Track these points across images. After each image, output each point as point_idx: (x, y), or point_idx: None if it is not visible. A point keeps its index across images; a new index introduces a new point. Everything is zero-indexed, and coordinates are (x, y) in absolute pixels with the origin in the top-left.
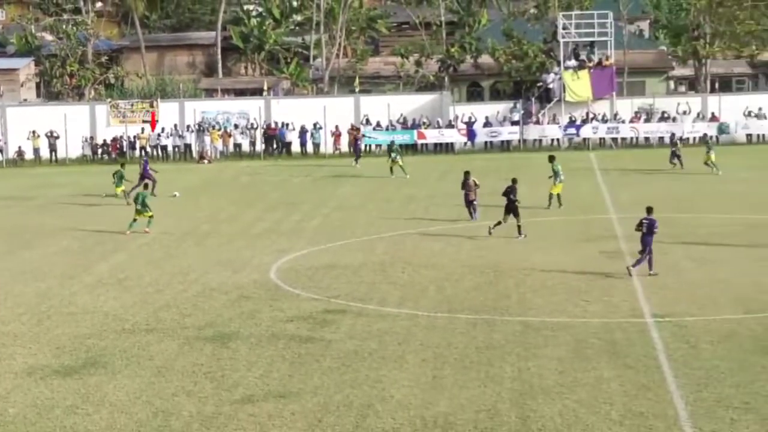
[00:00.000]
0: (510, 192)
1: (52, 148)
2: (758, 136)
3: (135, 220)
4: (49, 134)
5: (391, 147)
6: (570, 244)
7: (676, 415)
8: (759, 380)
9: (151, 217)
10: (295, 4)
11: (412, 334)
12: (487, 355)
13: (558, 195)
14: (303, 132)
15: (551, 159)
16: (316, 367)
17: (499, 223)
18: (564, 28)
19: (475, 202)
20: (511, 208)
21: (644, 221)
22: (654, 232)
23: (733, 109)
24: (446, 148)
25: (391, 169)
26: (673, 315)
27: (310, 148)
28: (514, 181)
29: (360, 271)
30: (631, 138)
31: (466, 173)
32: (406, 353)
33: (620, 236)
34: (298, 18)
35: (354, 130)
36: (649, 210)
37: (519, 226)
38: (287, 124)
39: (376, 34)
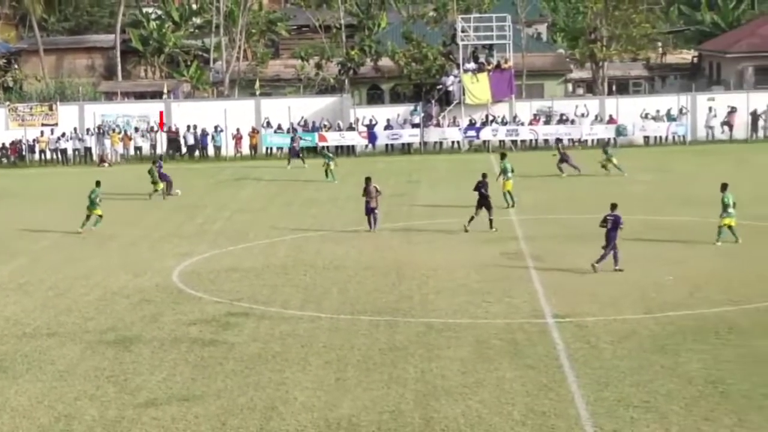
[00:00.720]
0: (481, 187)
1: None
2: (655, 138)
3: (88, 217)
4: None
5: (323, 151)
6: (471, 245)
7: (578, 414)
8: (658, 379)
9: (100, 216)
10: (194, 6)
11: (315, 336)
12: (390, 356)
13: (509, 192)
14: (204, 135)
15: (503, 156)
16: (219, 370)
17: (473, 218)
18: (463, 31)
19: (376, 211)
20: (483, 203)
21: (609, 217)
22: (620, 227)
23: (630, 111)
24: (347, 150)
25: (326, 172)
26: (573, 315)
27: (211, 151)
28: (484, 176)
29: (262, 274)
30: (531, 140)
31: (367, 179)
32: (309, 355)
33: (521, 237)
34: (198, 21)
35: (255, 133)
36: (614, 206)
37: (491, 220)
38: (189, 127)
39: (276, 37)
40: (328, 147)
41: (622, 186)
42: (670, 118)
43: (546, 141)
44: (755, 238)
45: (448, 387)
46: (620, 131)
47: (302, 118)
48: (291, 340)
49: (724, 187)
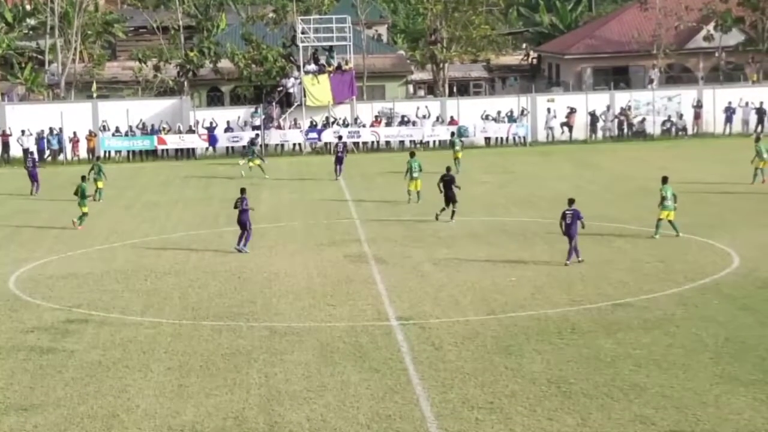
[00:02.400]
0: (450, 180)
1: None
2: (496, 138)
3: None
4: None
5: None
6: (314, 248)
7: (423, 416)
8: (502, 380)
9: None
10: (28, 7)
11: (156, 342)
12: (234, 361)
13: (417, 191)
14: (40, 138)
15: (412, 155)
16: (58, 379)
17: (444, 209)
18: (303, 33)
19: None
20: (449, 195)
21: (567, 213)
22: (580, 219)
23: (471, 112)
24: (187, 153)
25: (260, 167)
26: (417, 317)
27: (47, 154)
28: (448, 169)
29: (102, 280)
30: (372, 142)
31: (242, 190)
32: (151, 362)
33: (364, 240)
34: (32, 22)
35: (92, 136)
36: (571, 201)
37: (453, 212)
38: (23, 131)
39: (113, 39)
40: (253, 145)
41: (463, 188)
42: (511, 119)
43: (387, 143)
44: (596, 239)
45: (292, 391)
46: (461, 132)
47: (141, 120)
48: (132, 347)
49: (664, 180)
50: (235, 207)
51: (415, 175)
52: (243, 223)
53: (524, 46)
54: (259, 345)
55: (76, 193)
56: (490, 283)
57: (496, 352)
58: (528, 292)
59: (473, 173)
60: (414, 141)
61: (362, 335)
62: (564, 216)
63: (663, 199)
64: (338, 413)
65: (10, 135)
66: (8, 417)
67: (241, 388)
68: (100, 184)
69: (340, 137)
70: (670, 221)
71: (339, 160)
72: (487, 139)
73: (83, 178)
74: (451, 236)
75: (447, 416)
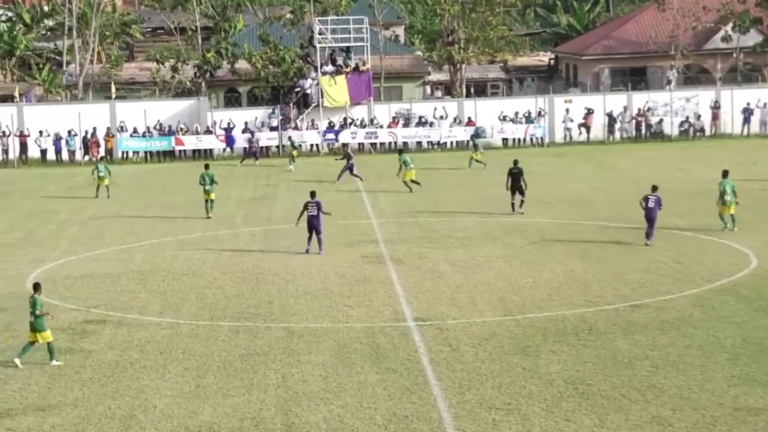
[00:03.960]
0: (518, 173)
1: None
2: (514, 139)
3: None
4: None
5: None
6: (331, 249)
7: (440, 417)
8: (519, 381)
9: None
10: (46, 8)
11: (174, 343)
12: (251, 362)
13: (412, 180)
14: (58, 139)
15: (400, 152)
16: (76, 379)
17: (513, 203)
18: (320, 34)
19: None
20: (517, 187)
21: (650, 197)
22: (660, 207)
23: (488, 113)
24: (205, 154)
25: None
26: (434, 318)
27: (65, 155)
28: (515, 162)
29: (119, 281)
30: (390, 143)
31: (312, 193)
32: (168, 362)
33: (381, 241)
34: (50, 23)
35: (110, 136)
36: (655, 188)
37: (522, 201)
38: (41, 132)
39: (130, 39)
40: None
41: (479, 189)
42: (529, 120)
43: (405, 144)
44: (613, 239)
45: (309, 392)
46: (479, 133)
47: (158, 121)
48: (149, 347)
49: (724, 174)
50: (305, 209)
51: (412, 166)
52: (315, 228)
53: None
54: (276, 346)
55: (202, 183)
56: (506, 284)
57: (514, 353)
58: (545, 293)
59: (490, 174)
60: (431, 142)
61: (379, 336)
62: (647, 200)
63: (722, 194)
64: (355, 414)
65: (28, 136)
66: (26, 417)
67: (258, 389)
68: (106, 182)
69: (344, 144)
70: (731, 215)
71: (351, 168)
72: (505, 140)
73: (206, 167)
74: (468, 237)
75: (464, 417)
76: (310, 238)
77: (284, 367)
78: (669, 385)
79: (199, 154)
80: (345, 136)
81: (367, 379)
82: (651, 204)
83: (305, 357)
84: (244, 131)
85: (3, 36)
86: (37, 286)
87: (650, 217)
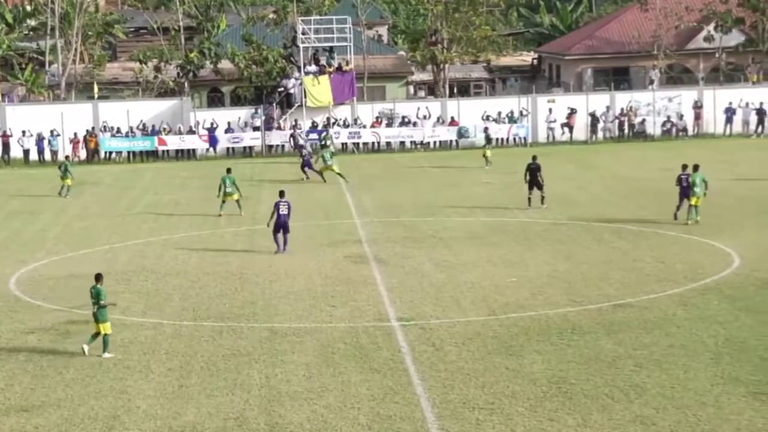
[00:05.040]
0: (536, 168)
1: None
2: (497, 139)
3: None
4: None
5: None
6: (315, 249)
7: (424, 417)
8: (502, 381)
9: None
10: (28, 8)
11: (157, 343)
12: (234, 362)
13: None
14: (40, 139)
15: (322, 146)
16: (59, 380)
17: (529, 198)
18: (303, 33)
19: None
20: (535, 183)
21: (683, 176)
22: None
23: (472, 113)
24: (188, 154)
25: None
26: (418, 318)
27: (48, 155)
28: (534, 158)
29: (104, 281)
30: (373, 143)
31: (281, 193)
32: (152, 362)
33: (364, 240)
34: (32, 23)
35: (92, 137)
36: (685, 167)
37: (543, 197)
38: (24, 132)
39: (113, 39)
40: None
41: (465, 188)
42: (512, 119)
43: (388, 143)
44: (596, 239)
45: (293, 392)
46: (462, 133)
47: (141, 121)
48: (133, 348)
49: (695, 168)
50: (276, 209)
51: (330, 163)
52: (284, 226)
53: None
54: (259, 346)
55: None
56: (490, 283)
57: (497, 353)
58: (529, 293)
59: (474, 174)
60: (414, 142)
61: (363, 336)
62: (680, 180)
63: (692, 185)
64: (339, 414)
65: (11, 136)
66: (9, 418)
67: (241, 389)
68: (68, 182)
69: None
70: (695, 207)
71: (307, 164)
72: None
73: (228, 170)
74: (452, 237)
75: (448, 417)
76: (277, 237)
77: (268, 368)
78: (652, 384)
79: (182, 154)
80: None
81: (351, 379)
82: (684, 184)
83: (289, 357)
84: (226, 131)
85: None
86: (99, 277)
87: (686, 195)
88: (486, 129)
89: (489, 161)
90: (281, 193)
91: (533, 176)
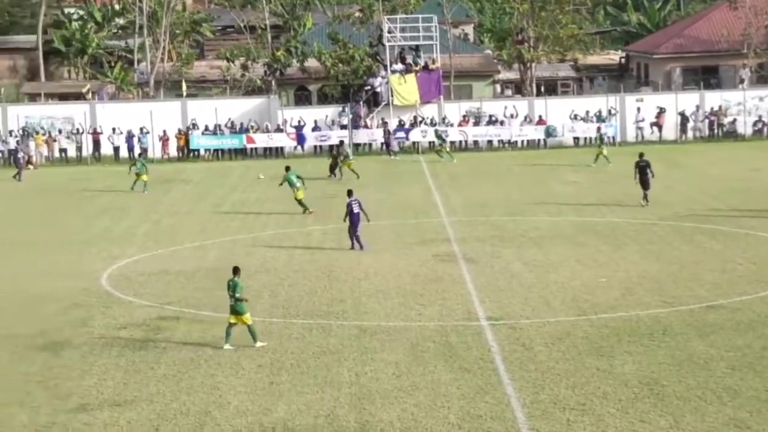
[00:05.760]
0: (645, 165)
1: None
2: (585, 138)
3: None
4: None
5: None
6: (403, 248)
7: (514, 417)
8: (593, 381)
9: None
10: (117, 7)
11: (247, 340)
12: (324, 359)
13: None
14: (130, 136)
15: (287, 168)
16: (151, 375)
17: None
18: (389, 32)
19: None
20: (644, 180)
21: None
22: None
23: (559, 112)
24: (276, 152)
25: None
26: (507, 317)
27: (137, 152)
28: (641, 155)
29: (193, 278)
30: (460, 141)
31: (349, 192)
32: (242, 359)
33: (453, 239)
34: (121, 21)
35: (181, 134)
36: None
37: (645, 195)
38: (114, 129)
39: (200, 38)
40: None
41: (551, 187)
42: (600, 119)
43: (475, 142)
44: (687, 240)
45: (382, 390)
46: (550, 132)
47: (229, 119)
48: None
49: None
50: (349, 208)
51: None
52: (356, 224)
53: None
54: (349, 344)
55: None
56: (580, 283)
57: (587, 353)
58: (619, 293)
59: (562, 173)
60: (502, 141)
61: (452, 335)
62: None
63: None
64: (429, 412)
65: (101, 133)
66: (102, 412)
67: (331, 387)
68: (144, 178)
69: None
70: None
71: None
72: (576, 138)
73: (287, 168)
74: (541, 236)
75: (538, 417)
76: (355, 235)
77: (357, 365)
78: (746, 387)
79: (270, 152)
80: (415, 135)
81: (441, 378)
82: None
83: (378, 355)
84: (313, 129)
85: (75, 34)
86: (236, 270)
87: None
88: (599, 128)
89: (608, 160)
90: (350, 193)
91: (643, 174)
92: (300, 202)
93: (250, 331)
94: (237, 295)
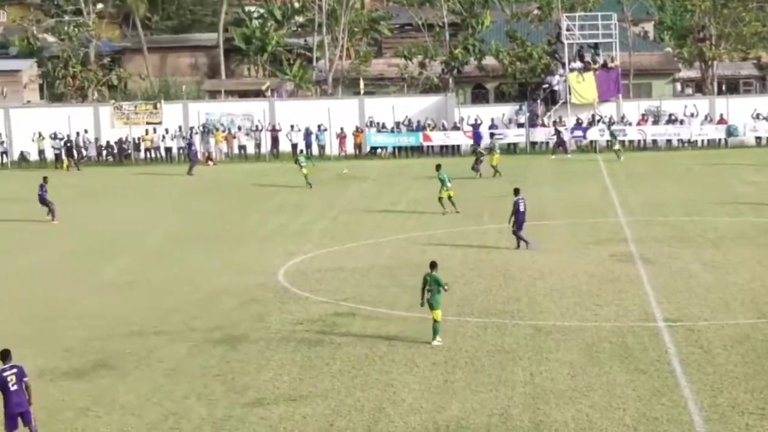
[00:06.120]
0: None
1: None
2: (767, 138)
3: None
4: (53, 136)
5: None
6: (579, 247)
7: (691, 420)
8: None
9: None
10: (296, 5)
11: (421, 337)
12: (499, 358)
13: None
14: (308, 134)
15: (437, 167)
16: (326, 371)
17: None
18: (568, 30)
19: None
20: None
21: None
22: None
23: (741, 111)
24: (452, 150)
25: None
26: (685, 319)
27: (315, 150)
28: None
29: (368, 275)
30: (639, 141)
31: (516, 190)
32: (416, 357)
33: (630, 239)
34: (300, 19)
35: (359, 132)
36: None
37: None
38: (293, 126)
39: (378, 36)
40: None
41: (731, 187)
42: None
43: (654, 142)
44: None
45: (557, 390)
46: (731, 131)
47: (406, 117)
48: (398, 341)
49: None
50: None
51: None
52: (522, 223)
53: None
54: (524, 343)
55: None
56: (760, 285)
57: (767, 357)
58: None
59: (743, 173)
60: (682, 140)
61: (628, 336)
62: None
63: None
64: (604, 414)
65: (280, 130)
66: (278, 407)
67: (506, 386)
68: (305, 171)
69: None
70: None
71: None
72: (758, 138)
73: (438, 167)
74: (720, 237)
75: (716, 421)
76: (522, 234)
77: (532, 365)
78: None
79: (446, 150)
80: (593, 134)
81: (616, 379)
82: None
83: (553, 355)
84: (490, 128)
85: (255, 32)
86: (434, 264)
87: None
88: None
89: None
90: (516, 191)
91: None
92: (441, 200)
93: (433, 327)
94: (444, 288)
